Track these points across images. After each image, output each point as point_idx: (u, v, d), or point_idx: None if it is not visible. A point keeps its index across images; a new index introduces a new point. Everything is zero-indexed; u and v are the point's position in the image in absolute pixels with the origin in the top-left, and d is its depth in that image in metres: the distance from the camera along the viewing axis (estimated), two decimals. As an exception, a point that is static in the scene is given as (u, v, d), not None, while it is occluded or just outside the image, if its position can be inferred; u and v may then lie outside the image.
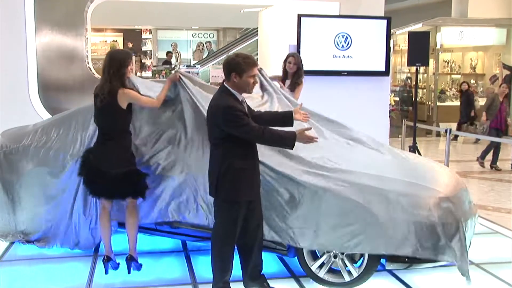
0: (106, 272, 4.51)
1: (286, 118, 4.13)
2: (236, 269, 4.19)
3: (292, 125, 4.14)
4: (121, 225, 4.98)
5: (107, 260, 4.52)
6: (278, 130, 3.85)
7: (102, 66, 4.38)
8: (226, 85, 3.83)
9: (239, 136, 3.74)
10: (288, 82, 6.31)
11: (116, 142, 4.37)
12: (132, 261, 4.52)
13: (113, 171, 4.31)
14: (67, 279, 4.47)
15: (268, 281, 4.16)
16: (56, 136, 4.95)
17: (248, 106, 4.06)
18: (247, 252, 4.09)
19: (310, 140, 3.81)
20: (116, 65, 4.30)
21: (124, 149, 4.42)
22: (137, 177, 4.43)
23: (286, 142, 3.80)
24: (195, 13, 17.67)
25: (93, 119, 4.56)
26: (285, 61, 6.37)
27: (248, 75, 3.76)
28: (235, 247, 4.05)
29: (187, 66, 16.97)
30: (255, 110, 4.22)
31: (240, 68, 3.75)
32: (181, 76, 4.55)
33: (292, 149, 3.84)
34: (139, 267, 4.57)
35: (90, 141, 4.72)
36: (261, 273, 4.17)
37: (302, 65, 6.31)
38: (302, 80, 6.28)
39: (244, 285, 4.17)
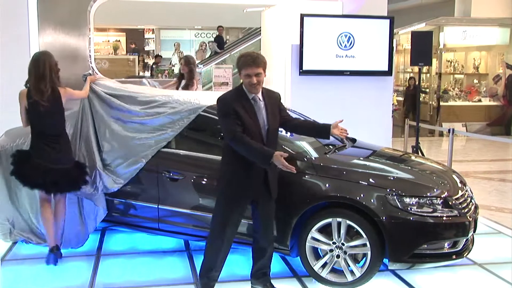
0: (55, 263, 4.64)
1: (323, 130, 4.14)
2: (240, 268, 4.21)
3: (328, 138, 4.23)
4: (119, 223, 5.04)
5: (57, 249, 4.68)
6: (257, 144, 3.75)
7: (33, 70, 4.51)
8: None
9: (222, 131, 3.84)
10: (183, 82, 6.89)
11: (65, 139, 4.65)
12: (58, 250, 4.70)
13: (68, 166, 4.58)
14: (70, 278, 4.48)
15: (272, 280, 4.17)
16: None
17: (281, 108, 4.06)
18: (258, 251, 4.10)
19: (285, 167, 3.68)
20: (50, 66, 4.50)
21: (70, 143, 4.71)
22: (83, 169, 4.73)
23: (258, 156, 3.73)
24: (198, 12, 17.68)
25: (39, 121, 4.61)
26: (180, 63, 7.04)
27: (243, 73, 3.79)
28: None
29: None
30: (294, 118, 4.26)
31: (238, 66, 3.83)
32: (95, 82, 4.99)
33: (266, 166, 3.77)
34: (60, 256, 4.74)
35: (77, 140, 4.91)
36: (267, 274, 4.17)
37: (194, 67, 6.84)
38: (194, 81, 6.83)
39: (250, 283, 4.19)
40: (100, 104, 4.95)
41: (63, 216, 4.77)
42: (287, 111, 4.25)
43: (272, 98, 3.99)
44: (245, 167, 3.83)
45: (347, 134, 4.15)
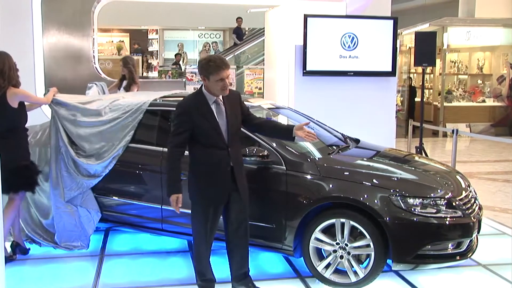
0: (15, 254, 4.82)
1: (285, 132, 4.13)
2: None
3: (292, 140, 4.15)
4: (122, 224, 5.05)
5: (16, 245, 4.85)
6: (176, 173, 3.82)
7: None
8: (203, 87, 3.89)
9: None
10: (125, 82, 7.08)
11: (11, 139, 4.64)
12: (17, 247, 4.84)
13: (10, 165, 4.46)
14: (74, 279, 4.49)
15: (273, 281, 4.16)
16: (41, 135, 5.24)
17: (243, 107, 4.07)
18: (229, 252, 4.13)
19: (175, 208, 3.85)
20: (10, 64, 4.62)
21: (18, 146, 4.69)
22: (30, 172, 4.74)
23: (167, 183, 3.90)
24: (202, 13, 17.71)
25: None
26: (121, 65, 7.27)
27: (215, 78, 3.76)
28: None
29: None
30: (257, 117, 4.26)
31: (206, 71, 3.78)
32: (53, 100, 5.04)
33: (167, 195, 3.89)
34: (25, 250, 4.89)
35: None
36: (247, 274, 4.17)
37: (133, 68, 7.13)
38: (136, 81, 7.05)
39: (232, 285, 4.19)
40: (68, 112, 5.06)
41: (9, 215, 4.68)
42: (249, 109, 4.25)
43: (232, 97, 3.98)
44: (211, 173, 3.87)
45: (315, 139, 4.12)
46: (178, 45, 19.42)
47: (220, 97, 3.89)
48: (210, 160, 3.87)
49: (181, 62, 18.00)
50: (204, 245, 4.00)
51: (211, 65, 3.75)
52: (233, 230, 4.05)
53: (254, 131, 4.29)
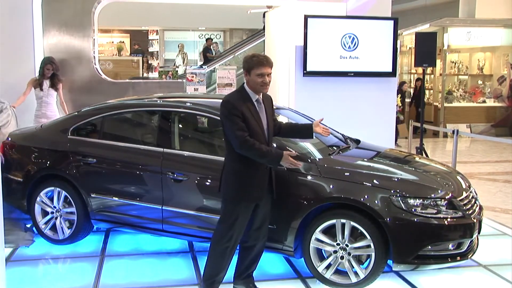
0: None
1: (306, 130, 4.17)
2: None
3: (311, 137, 4.19)
4: (123, 224, 5.05)
5: None
6: (266, 147, 3.78)
7: None
8: (245, 84, 3.90)
9: (227, 135, 3.80)
10: (47, 82, 7.39)
11: None
12: None
13: None
14: (74, 279, 4.49)
15: (274, 282, 4.16)
16: None
17: (272, 111, 4.08)
18: (244, 250, 4.11)
19: (293, 164, 3.77)
20: None
21: None
22: None
23: (269, 158, 3.76)
24: (202, 14, 17.73)
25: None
26: (42, 68, 7.48)
27: (255, 73, 3.79)
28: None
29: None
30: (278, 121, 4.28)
31: (248, 65, 3.82)
32: None
33: (276, 166, 3.85)
34: None
35: None
36: (251, 275, 4.17)
37: (58, 67, 7.53)
38: (60, 82, 7.51)
39: (233, 284, 4.19)
40: None
41: None
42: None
43: (267, 100, 4.03)
44: (252, 170, 3.84)
45: (329, 133, 4.18)
46: (178, 46, 19.38)
47: (261, 96, 3.90)
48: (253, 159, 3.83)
49: (181, 59, 17.89)
50: (228, 244, 3.91)
51: (254, 60, 3.81)
52: (255, 230, 4.03)
53: (275, 134, 4.21)
